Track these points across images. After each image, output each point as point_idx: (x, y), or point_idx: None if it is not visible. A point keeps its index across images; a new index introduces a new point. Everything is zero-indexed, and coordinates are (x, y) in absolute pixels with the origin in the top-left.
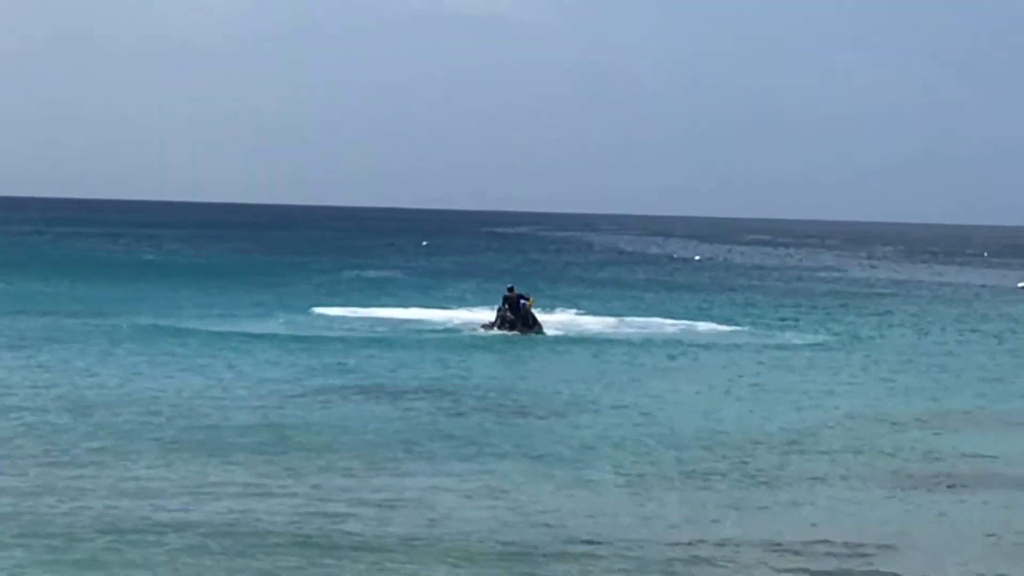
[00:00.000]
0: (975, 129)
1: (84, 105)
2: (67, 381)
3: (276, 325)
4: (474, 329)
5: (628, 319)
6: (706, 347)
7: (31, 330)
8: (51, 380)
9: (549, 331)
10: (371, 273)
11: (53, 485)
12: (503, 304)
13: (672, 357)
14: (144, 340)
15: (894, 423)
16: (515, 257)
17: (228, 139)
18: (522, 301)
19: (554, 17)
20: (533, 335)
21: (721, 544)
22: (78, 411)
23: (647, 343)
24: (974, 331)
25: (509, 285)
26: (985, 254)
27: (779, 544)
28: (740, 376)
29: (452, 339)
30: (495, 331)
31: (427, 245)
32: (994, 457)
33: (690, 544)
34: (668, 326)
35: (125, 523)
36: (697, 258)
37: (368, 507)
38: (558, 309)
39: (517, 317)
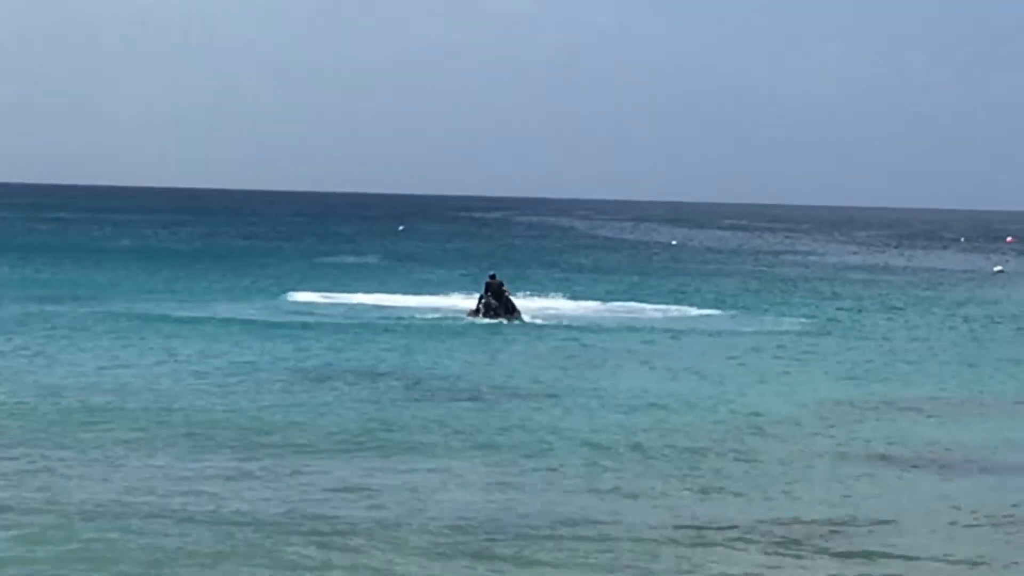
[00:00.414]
0: (955, 116)
1: (53, 90)
2: (43, 367)
3: (251, 311)
4: (456, 317)
5: (608, 304)
6: (685, 332)
7: (3, 317)
8: (23, 366)
9: (529, 318)
10: (348, 259)
11: (29, 471)
12: (485, 291)
13: (652, 343)
14: (116, 326)
15: (871, 407)
16: (491, 242)
17: (198, 124)
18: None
19: (533, 2)
20: (515, 322)
21: (700, 526)
22: (53, 397)
23: (627, 328)
24: (951, 315)
25: (491, 272)
26: (962, 239)
27: (761, 523)
28: (719, 360)
29: (432, 326)
30: (478, 318)
31: (403, 230)
32: (972, 441)
33: (670, 527)
34: (648, 311)
35: (103, 512)
36: (674, 242)
37: (347, 493)
38: (537, 295)
39: (500, 304)
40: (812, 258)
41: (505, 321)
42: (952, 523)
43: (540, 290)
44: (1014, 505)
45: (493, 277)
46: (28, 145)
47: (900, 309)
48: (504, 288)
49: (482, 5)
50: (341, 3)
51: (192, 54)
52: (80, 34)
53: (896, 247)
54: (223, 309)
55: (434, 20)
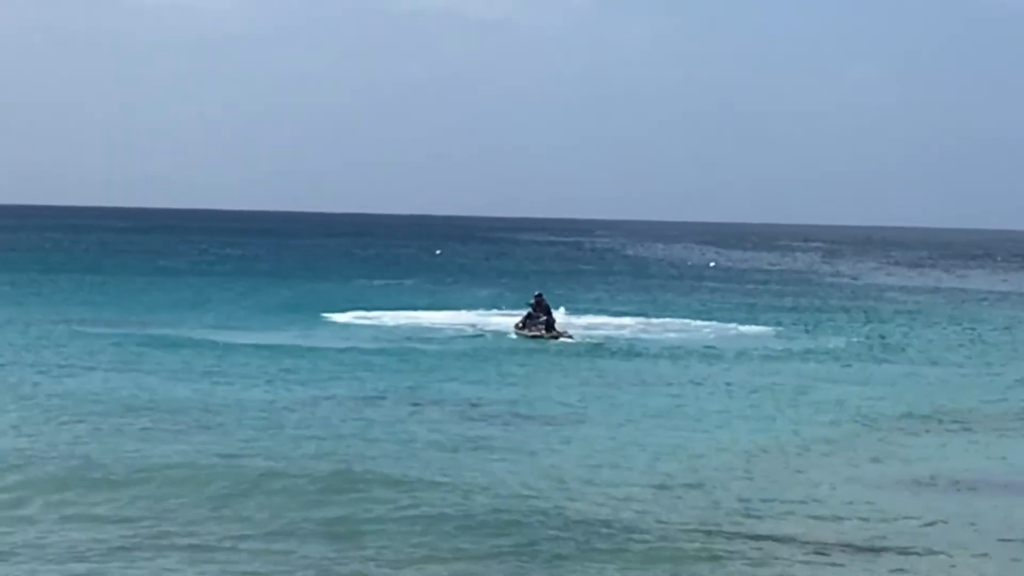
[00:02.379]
0: (985, 133)
1: (67, 110)
2: (84, 388)
3: (288, 335)
4: (505, 333)
5: (654, 320)
6: (728, 350)
7: (23, 336)
8: (73, 386)
9: (577, 337)
10: (390, 282)
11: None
12: (533, 309)
13: (696, 361)
14: (157, 350)
15: (907, 427)
16: (528, 263)
17: (223, 144)
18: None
19: (560, 21)
20: (560, 340)
21: (731, 539)
22: (98, 415)
23: (672, 346)
24: (991, 334)
25: (537, 292)
26: (998, 258)
27: (792, 542)
28: (758, 379)
29: (477, 345)
30: (525, 332)
31: (440, 254)
32: (1005, 460)
33: (702, 543)
34: (695, 329)
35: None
36: (712, 264)
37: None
38: (582, 314)
39: (547, 322)
40: (849, 278)
41: (550, 339)
42: (1006, 545)
43: (583, 309)
44: None
45: (539, 295)
46: (37, 165)
47: (940, 327)
48: (549, 309)
49: (513, 25)
50: (374, 25)
51: (212, 70)
52: (122, 51)
53: (934, 266)
54: (263, 334)
55: (467, 42)
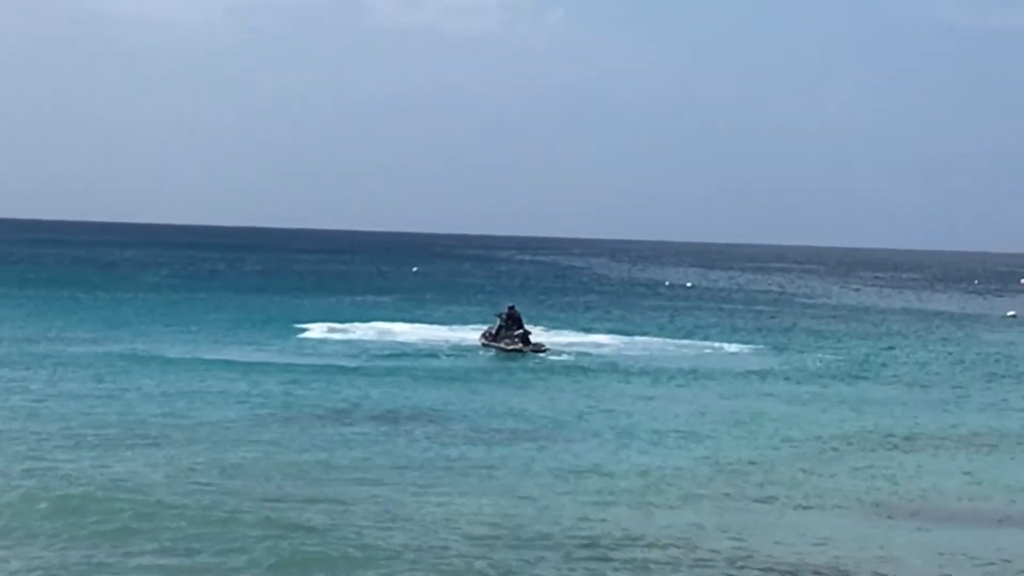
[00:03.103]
0: (965, 156)
1: (44, 122)
2: (60, 407)
3: (263, 350)
4: (472, 349)
5: (630, 338)
6: (705, 370)
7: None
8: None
9: (554, 353)
10: (367, 298)
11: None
12: (505, 320)
13: (670, 379)
14: (125, 368)
15: (883, 448)
16: (506, 280)
17: (202, 158)
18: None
19: (537, 38)
20: (538, 355)
21: (708, 566)
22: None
23: (652, 366)
24: (961, 358)
25: (510, 304)
26: (976, 282)
27: (756, 566)
28: (733, 399)
29: (452, 361)
30: (498, 344)
31: (417, 272)
32: (981, 484)
33: (679, 569)
34: (672, 347)
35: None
36: (689, 284)
37: (369, 528)
38: (558, 330)
39: (519, 330)
40: (824, 300)
41: (525, 352)
42: (984, 571)
43: (560, 326)
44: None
45: (512, 308)
46: (21, 178)
47: (913, 351)
48: (522, 321)
49: (502, 43)
50: (360, 42)
51: (191, 85)
52: (103, 64)
53: (909, 289)
54: (237, 350)
55: (453, 57)
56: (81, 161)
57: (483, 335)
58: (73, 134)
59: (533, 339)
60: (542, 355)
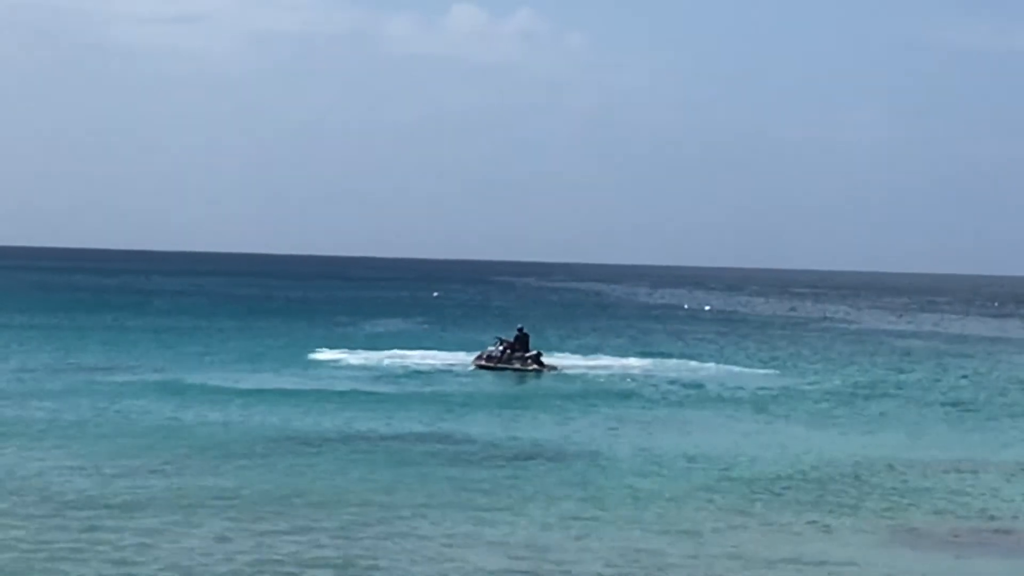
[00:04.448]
0: (979, 177)
1: (61, 150)
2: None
3: (286, 377)
4: (493, 371)
5: (650, 360)
6: (725, 392)
7: (14, 388)
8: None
9: (575, 374)
10: (390, 323)
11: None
12: (514, 341)
13: (692, 402)
14: (145, 396)
15: (914, 472)
16: (527, 306)
17: (220, 186)
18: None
19: (559, 64)
20: (546, 374)
21: None
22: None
23: (672, 388)
24: (989, 381)
25: (519, 326)
26: (996, 304)
27: None
28: (754, 422)
29: (467, 383)
30: (500, 365)
31: (439, 296)
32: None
33: None
34: (693, 369)
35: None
36: (707, 308)
37: (391, 556)
38: (582, 355)
39: (531, 354)
40: (842, 324)
41: (546, 370)
42: None
43: (582, 349)
44: None
45: (521, 330)
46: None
47: (936, 374)
48: (529, 342)
49: (512, 69)
50: (369, 71)
51: (205, 112)
52: (119, 92)
53: (927, 312)
54: (255, 377)
55: (467, 87)
56: (104, 188)
57: (479, 357)
58: (100, 162)
59: (555, 362)
60: (552, 373)
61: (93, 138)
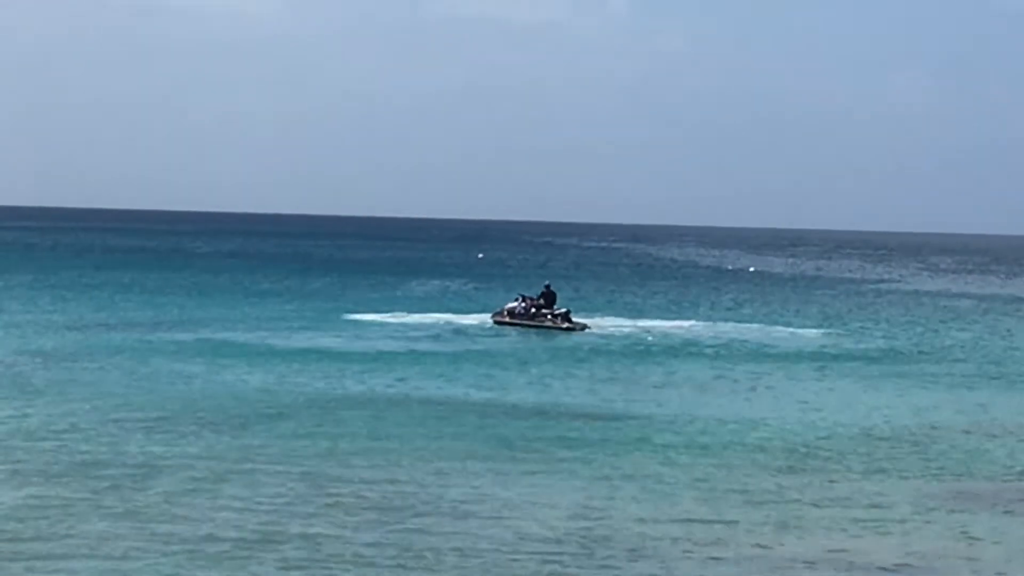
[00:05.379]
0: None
1: (103, 112)
2: (121, 394)
3: (328, 338)
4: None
5: (694, 322)
6: (773, 354)
7: (58, 345)
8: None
9: (609, 335)
10: (435, 283)
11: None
12: (539, 297)
13: (737, 362)
14: (183, 355)
15: (961, 433)
16: (570, 266)
17: (262, 147)
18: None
19: (599, 25)
20: (583, 332)
21: (756, 556)
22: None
23: (721, 349)
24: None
25: (546, 283)
26: None
27: (821, 561)
28: (801, 382)
29: (504, 343)
30: (525, 323)
31: (483, 257)
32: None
33: (724, 557)
34: (741, 331)
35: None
36: (752, 269)
37: (440, 517)
38: (627, 316)
39: (560, 312)
40: (890, 284)
41: (577, 329)
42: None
43: (628, 311)
44: None
45: (548, 287)
46: (62, 166)
47: (979, 336)
48: (555, 299)
49: (553, 31)
50: (419, 34)
51: (250, 73)
52: (164, 53)
53: (975, 272)
54: (306, 337)
55: (510, 51)
56: (141, 152)
57: (499, 313)
58: (139, 126)
59: (596, 323)
60: (587, 332)
61: (146, 101)
